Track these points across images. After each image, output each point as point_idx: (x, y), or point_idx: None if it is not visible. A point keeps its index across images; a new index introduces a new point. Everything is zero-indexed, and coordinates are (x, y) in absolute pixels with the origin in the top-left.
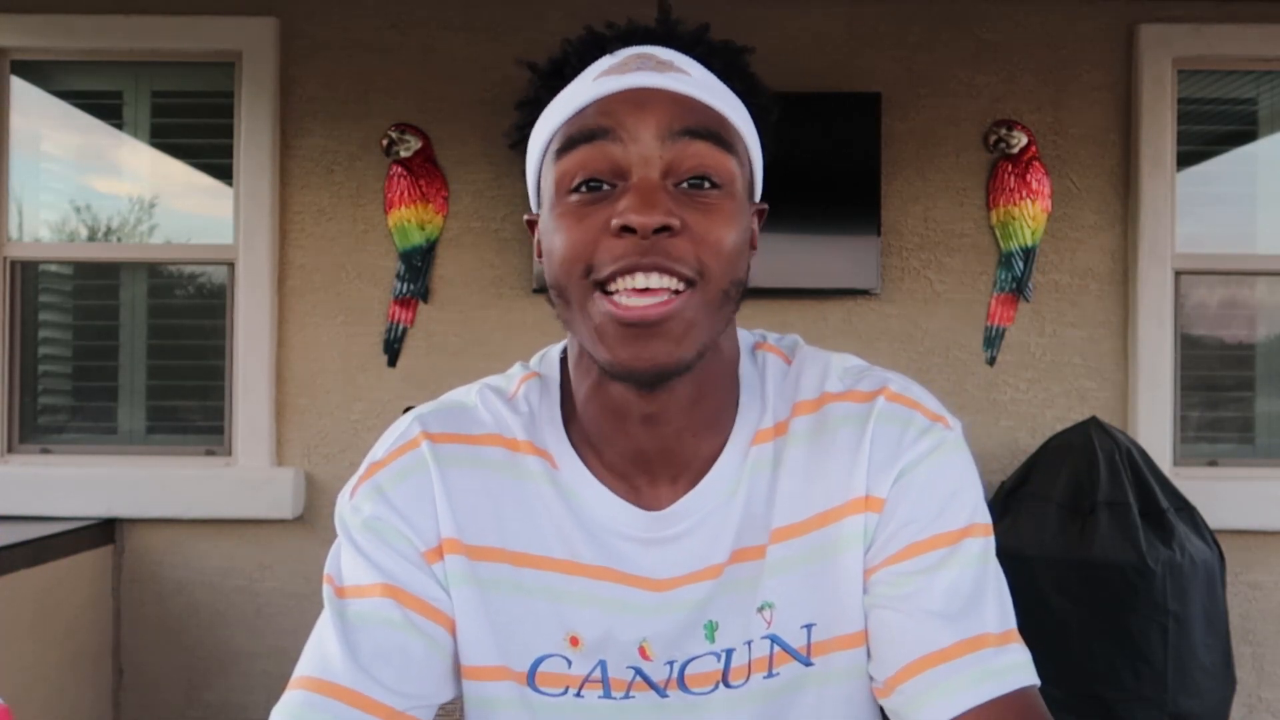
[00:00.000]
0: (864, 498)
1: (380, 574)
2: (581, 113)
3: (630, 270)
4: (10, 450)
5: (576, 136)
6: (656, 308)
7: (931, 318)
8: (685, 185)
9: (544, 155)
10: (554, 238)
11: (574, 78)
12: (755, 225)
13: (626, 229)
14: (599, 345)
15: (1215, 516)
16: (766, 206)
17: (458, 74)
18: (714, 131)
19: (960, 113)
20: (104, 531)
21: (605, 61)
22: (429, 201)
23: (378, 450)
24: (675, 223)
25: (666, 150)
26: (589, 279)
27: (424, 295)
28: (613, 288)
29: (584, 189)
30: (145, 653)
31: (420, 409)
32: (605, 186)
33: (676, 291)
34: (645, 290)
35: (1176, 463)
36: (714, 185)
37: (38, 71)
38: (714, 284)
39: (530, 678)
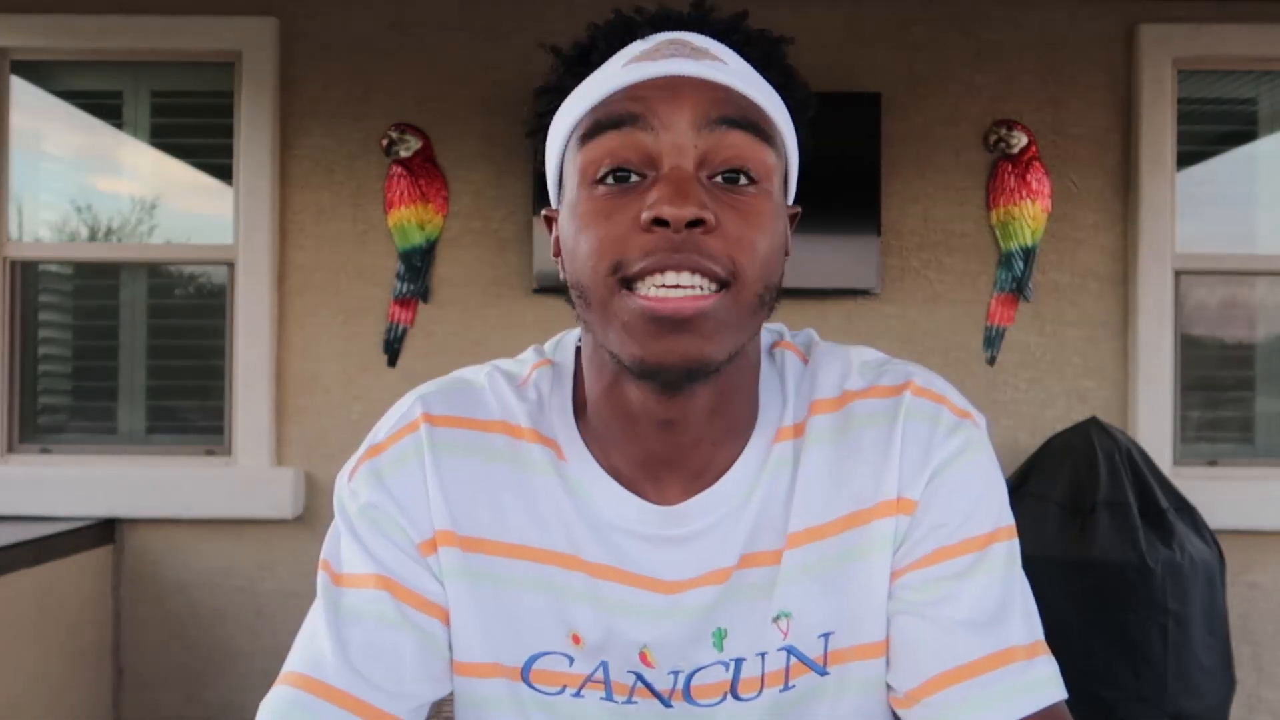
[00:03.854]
0: (896, 500)
1: (375, 564)
2: (610, 99)
3: (660, 268)
4: (10, 450)
5: (605, 122)
6: (691, 301)
7: (931, 318)
8: (720, 179)
9: (566, 143)
10: (579, 235)
11: (601, 64)
12: (789, 229)
13: (658, 221)
14: (629, 342)
15: (1215, 516)
16: (800, 210)
17: (458, 74)
18: (753, 121)
19: (960, 113)
20: (104, 531)
21: (636, 47)
22: (429, 201)
23: (379, 431)
24: (709, 216)
25: (702, 140)
26: (616, 276)
27: (424, 295)
28: (641, 286)
29: (611, 179)
30: (145, 653)
31: (425, 387)
32: (634, 177)
33: (709, 293)
34: (676, 287)
35: (1176, 463)
36: (751, 180)
37: (38, 71)
38: (748, 287)
39: (525, 674)
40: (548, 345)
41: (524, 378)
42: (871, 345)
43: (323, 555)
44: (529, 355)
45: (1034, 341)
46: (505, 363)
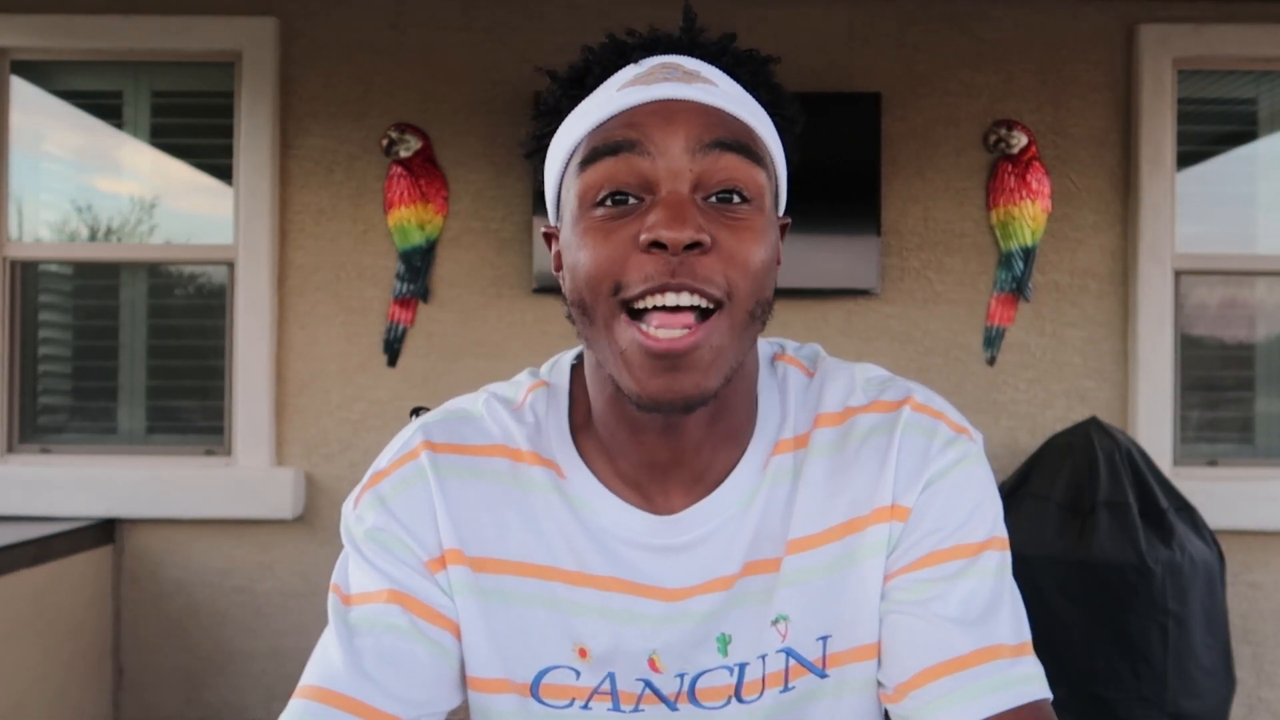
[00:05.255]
0: (890, 507)
1: (386, 580)
2: (606, 124)
3: (660, 290)
4: (10, 450)
5: (601, 149)
6: (685, 339)
7: (931, 318)
8: (714, 199)
9: (565, 167)
10: (578, 254)
11: (596, 87)
12: (779, 240)
13: (656, 244)
14: (625, 374)
15: (1215, 516)
16: (789, 220)
17: (458, 74)
18: (744, 144)
19: (960, 113)
20: (104, 531)
21: (629, 71)
22: (429, 201)
23: (381, 460)
24: (706, 239)
25: (696, 163)
26: (616, 298)
27: (424, 295)
28: (640, 306)
29: (609, 202)
30: (145, 653)
31: (425, 418)
32: (632, 200)
33: (704, 312)
34: (675, 310)
35: (1176, 463)
36: (744, 199)
37: (38, 71)
38: (741, 305)
39: (534, 689)
40: (543, 368)
41: (519, 402)
42: (871, 345)
43: (333, 580)
44: (523, 379)
45: (1034, 341)
46: (499, 388)
